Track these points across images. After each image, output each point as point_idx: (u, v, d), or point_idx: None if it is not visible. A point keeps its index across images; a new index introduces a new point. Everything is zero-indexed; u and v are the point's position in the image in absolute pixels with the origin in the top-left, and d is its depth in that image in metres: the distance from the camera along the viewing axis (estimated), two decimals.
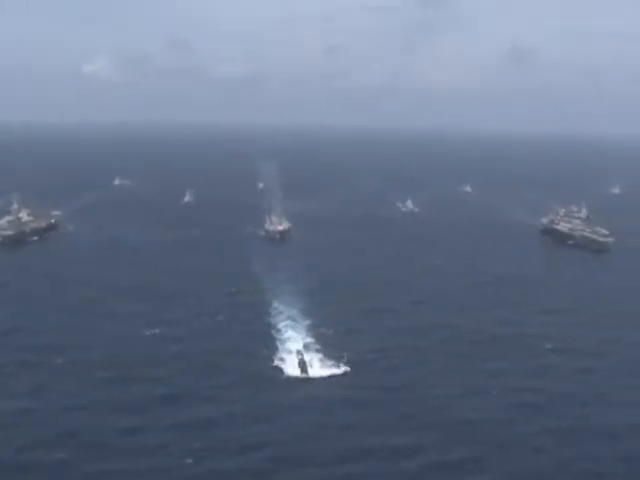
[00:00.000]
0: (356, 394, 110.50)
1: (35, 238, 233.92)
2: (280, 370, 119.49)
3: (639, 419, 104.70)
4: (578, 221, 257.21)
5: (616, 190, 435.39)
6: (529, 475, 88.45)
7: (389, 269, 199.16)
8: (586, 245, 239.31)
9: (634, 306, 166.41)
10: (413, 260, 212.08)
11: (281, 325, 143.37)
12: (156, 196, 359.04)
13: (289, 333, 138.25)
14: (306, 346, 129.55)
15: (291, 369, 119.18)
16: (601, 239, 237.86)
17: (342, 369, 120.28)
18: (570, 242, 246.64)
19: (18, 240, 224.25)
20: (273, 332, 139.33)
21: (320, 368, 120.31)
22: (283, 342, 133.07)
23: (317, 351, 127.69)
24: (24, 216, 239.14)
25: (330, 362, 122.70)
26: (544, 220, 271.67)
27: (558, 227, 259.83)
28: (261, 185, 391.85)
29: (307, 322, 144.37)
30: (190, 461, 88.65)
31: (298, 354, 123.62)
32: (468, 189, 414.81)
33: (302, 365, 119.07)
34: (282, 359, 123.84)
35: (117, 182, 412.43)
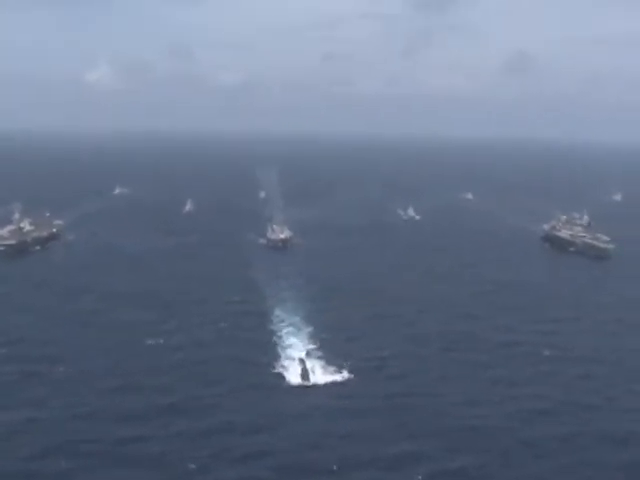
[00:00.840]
0: (358, 402, 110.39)
1: (37, 248, 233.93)
2: (282, 378, 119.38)
3: None
4: (579, 228, 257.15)
5: (617, 197, 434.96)
6: None
7: (391, 276, 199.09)
8: (587, 252, 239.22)
9: (637, 313, 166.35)
10: (415, 267, 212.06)
11: (283, 332, 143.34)
12: (157, 204, 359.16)
13: (291, 340, 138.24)
14: (308, 353, 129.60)
15: (293, 377, 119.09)
16: (602, 246, 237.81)
17: (344, 376, 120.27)
18: (571, 249, 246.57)
19: (20, 250, 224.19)
20: (275, 339, 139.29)
21: (322, 375, 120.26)
22: (285, 349, 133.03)
23: (319, 358, 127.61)
24: (26, 225, 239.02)
25: (332, 369, 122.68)
26: (545, 227, 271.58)
27: (559, 234, 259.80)
28: (263, 194, 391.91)
29: (309, 329, 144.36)
30: (193, 470, 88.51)
31: (300, 362, 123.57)
32: (469, 196, 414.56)
33: (304, 373, 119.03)
34: (284, 367, 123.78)
35: (118, 190, 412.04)
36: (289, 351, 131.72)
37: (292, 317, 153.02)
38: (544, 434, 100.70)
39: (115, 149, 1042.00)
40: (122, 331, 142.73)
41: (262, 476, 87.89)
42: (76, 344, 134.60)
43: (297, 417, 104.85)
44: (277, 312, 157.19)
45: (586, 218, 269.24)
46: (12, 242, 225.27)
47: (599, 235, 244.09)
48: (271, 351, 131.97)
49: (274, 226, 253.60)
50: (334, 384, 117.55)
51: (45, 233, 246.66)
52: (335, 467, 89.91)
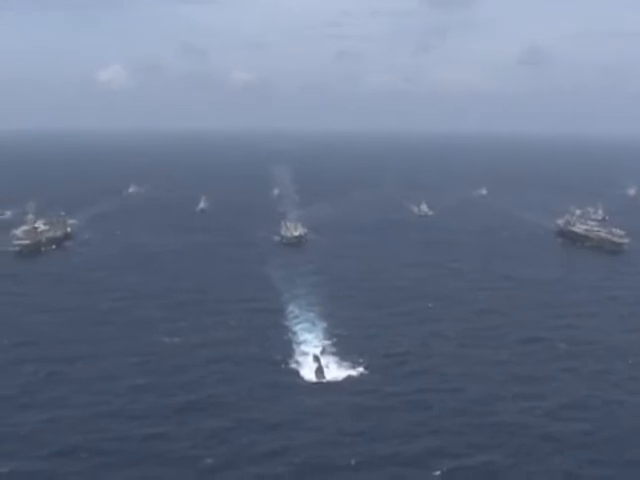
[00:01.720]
0: (375, 398, 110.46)
1: (53, 247, 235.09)
2: (298, 375, 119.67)
3: None
4: (594, 222, 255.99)
5: (632, 191, 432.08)
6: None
7: (406, 273, 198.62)
8: (602, 246, 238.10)
9: None
10: (430, 264, 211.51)
11: (298, 328, 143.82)
12: (171, 203, 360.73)
13: (306, 336, 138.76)
14: (323, 349, 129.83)
15: (308, 373, 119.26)
16: (617, 240, 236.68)
17: (360, 372, 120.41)
18: (586, 244, 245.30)
19: (34, 250, 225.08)
20: (290, 336, 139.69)
21: (337, 370, 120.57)
22: (300, 345, 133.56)
23: (334, 354, 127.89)
24: (40, 225, 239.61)
25: (347, 365, 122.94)
26: (560, 222, 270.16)
27: (574, 228, 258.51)
28: (276, 191, 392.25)
29: (324, 325, 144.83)
30: (213, 468, 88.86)
31: (315, 359, 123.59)
32: (484, 192, 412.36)
33: (319, 370, 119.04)
34: (299, 363, 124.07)
35: (132, 189, 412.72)
36: (304, 347, 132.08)
37: (307, 313, 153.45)
38: (566, 430, 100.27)
39: (128, 148, 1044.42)
40: (139, 330, 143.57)
41: (281, 473, 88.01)
42: (94, 343, 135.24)
43: (314, 414, 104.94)
44: (291, 308, 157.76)
45: (600, 212, 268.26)
46: (27, 242, 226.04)
47: (614, 229, 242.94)
48: (286, 348, 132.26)
49: (288, 223, 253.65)
50: (350, 380, 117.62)
51: (59, 233, 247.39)
52: (353, 463, 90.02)
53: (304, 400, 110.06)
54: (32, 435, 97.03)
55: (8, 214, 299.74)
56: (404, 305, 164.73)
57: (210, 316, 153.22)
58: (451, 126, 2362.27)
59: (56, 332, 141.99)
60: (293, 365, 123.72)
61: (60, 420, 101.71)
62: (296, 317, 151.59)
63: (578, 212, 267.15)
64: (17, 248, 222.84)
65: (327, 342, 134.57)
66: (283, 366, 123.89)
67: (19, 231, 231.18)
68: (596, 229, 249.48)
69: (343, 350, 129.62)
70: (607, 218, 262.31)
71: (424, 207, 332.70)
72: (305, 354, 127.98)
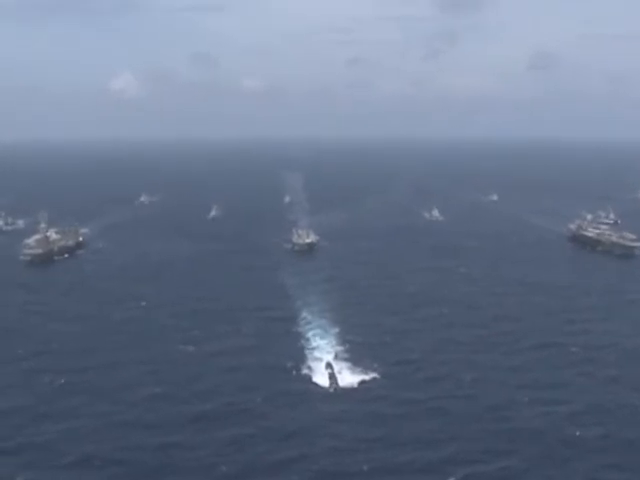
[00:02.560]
0: (389, 405, 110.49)
1: (66, 256, 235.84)
2: (311, 382, 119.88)
3: None
4: (606, 226, 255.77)
5: None
6: None
7: (418, 278, 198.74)
8: (614, 250, 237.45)
9: None
10: (442, 269, 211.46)
11: (310, 335, 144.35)
12: (183, 211, 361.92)
13: (318, 342, 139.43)
14: (336, 356, 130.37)
15: (321, 381, 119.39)
16: (629, 244, 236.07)
17: (372, 379, 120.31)
18: (598, 248, 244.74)
19: (47, 259, 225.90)
20: (303, 342, 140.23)
21: (350, 376, 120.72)
22: (312, 352, 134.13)
23: (346, 360, 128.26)
24: (52, 234, 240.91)
25: (360, 371, 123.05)
26: (572, 226, 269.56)
27: (586, 233, 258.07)
28: (287, 199, 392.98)
29: (336, 331, 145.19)
30: (228, 476, 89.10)
31: (327, 366, 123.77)
32: (495, 198, 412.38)
33: (332, 377, 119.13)
34: (312, 370, 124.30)
35: (143, 198, 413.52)
36: (317, 354, 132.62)
37: (319, 320, 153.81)
38: (582, 434, 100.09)
39: (140, 157, 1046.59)
40: (153, 339, 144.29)
41: None
42: (109, 352, 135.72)
43: (329, 421, 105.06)
44: (304, 315, 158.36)
45: (612, 216, 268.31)
46: (39, 251, 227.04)
47: (625, 234, 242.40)
48: (299, 355, 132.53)
49: (299, 230, 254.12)
50: (363, 387, 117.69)
51: (71, 242, 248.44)
52: (369, 470, 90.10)
53: (318, 407, 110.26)
54: (48, 445, 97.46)
55: (21, 223, 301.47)
56: (416, 311, 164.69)
57: (223, 324, 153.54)
58: (461, 131, 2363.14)
59: (70, 341, 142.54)
60: (306, 372, 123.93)
61: (76, 430, 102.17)
62: (309, 324, 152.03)
63: (589, 216, 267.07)
64: (29, 257, 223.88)
65: (340, 348, 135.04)
66: (296, 373, 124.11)
67: (31, 240, 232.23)
68: (607, 233, 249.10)
69: (356, 356, 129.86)
70: (619, 222, 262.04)
71: (435, 212, 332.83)
72: (318, 360, 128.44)
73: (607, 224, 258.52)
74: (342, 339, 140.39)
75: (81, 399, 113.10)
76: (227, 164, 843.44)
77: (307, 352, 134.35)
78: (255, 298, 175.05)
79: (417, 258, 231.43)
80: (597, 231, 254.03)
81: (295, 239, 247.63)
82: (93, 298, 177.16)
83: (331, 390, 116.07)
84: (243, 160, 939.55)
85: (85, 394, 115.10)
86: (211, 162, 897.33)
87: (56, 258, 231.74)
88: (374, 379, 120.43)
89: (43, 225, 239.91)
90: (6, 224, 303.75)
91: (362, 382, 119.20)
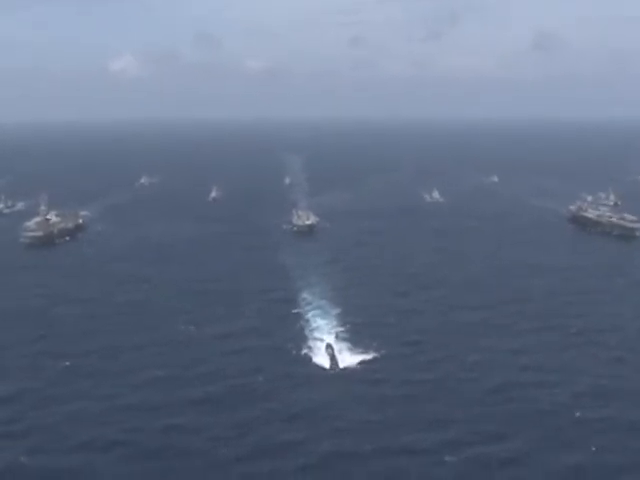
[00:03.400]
0: (390, 387, 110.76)
1: (67, 238, 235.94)
2: (312, 363, 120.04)
3: None
4: (606, 208, 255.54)
5: None
6: (567, 470, 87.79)
7: (419, 260, 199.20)
8: (614, 232, 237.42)
9: None
10: (441, 250, 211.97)
11: (311, 315, 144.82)
12: (183, 192, 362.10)
13: (319, 322, 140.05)
14: (337, 336, 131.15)
15: (322, 362, 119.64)
16: (629, 225, 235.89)
17: (373, 360, 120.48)
18: (598, 229, 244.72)
19: (47, 241, 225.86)
20: (302, 323, 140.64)
21: (350, 357, 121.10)
22: (312, 332, 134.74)
23: (347, 341, 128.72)
24: (52, 217, 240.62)
25: (360, 352, 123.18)
26: (572, 207, 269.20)
27: (586, 214, 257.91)
28: (288, 180, 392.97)
29: (337, 312, 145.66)
30: (232, 459, 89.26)
31: (328, 347, 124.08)
32: (495, 179, 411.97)
33: (333, 359, 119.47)
34: (313, 352, 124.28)
35: (143, 180, 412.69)
36: (317, 334, 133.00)
37: (320, 301, 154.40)
38: (586, 416, 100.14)
39: (140, 138, 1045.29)
40: (155, 321, 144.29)
41: (301, 463, 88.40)
42: (112, 335, 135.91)
43: (330, 403, 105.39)
44: (305, 296, 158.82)
45: (612, 198, 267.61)
46: (39, 234, 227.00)
47: (626, 215, 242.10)
48: (301, 336, 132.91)
49: (299, 212, 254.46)
50: (364, 369, 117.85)
51: (71, 224, 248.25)
52: (371, 451, 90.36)
53: (321, 389, 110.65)
54: (53, 427, 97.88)
55: (20, 206, 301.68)
56: (417, 292, 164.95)
57: (225, 305, 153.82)
58: (462, 112, 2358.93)
59: (73, 324, 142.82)
60: (308, 353, 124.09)
61: (80, 412, 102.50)
62: (309, 304, 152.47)
63: (590, 198, 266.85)
64: (29, 240, 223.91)
65: (340, 329, 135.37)
66: (298, 355, 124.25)
67: (31, 223, 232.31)
68: (608, 215, 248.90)
69: (357, 337, 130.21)
70: (619, 203, 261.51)
71: (435, 194, 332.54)
72: (320, 341, 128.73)
73: (607, 205, 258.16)
74: (343, 320, 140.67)
75: (85, 382, 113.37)
76: (228, 145, 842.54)
77: (308, 333, 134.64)
78: (256, 279, 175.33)
79: (418, 239, 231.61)
80: (597, 212, 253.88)
81: (295, 220, 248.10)
82: (94, 281, 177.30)
83: (332, 372, 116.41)
84: (244, 141, 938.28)
85: (89, 377, 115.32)
86: (212, 143, 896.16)
87: (56, 241, 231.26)
88: (375, 360, 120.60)
89: (43, 207, 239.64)
90: (6, 207, 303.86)
91: (363, 363, 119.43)
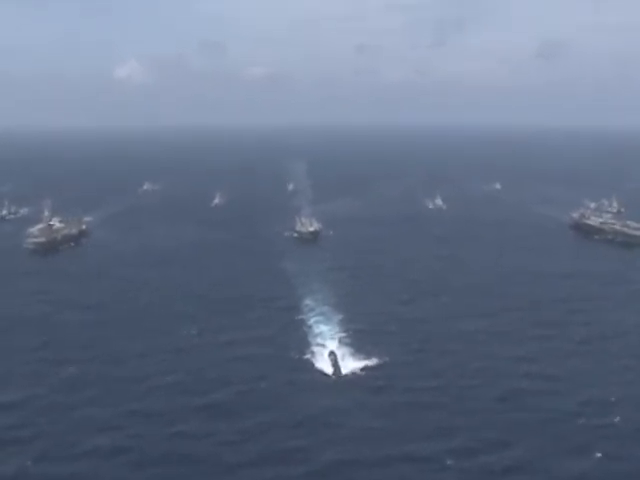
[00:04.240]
0: (393, 395, 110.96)
1: (71, 244, 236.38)
2: (316, 371, 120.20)
3: None
4: (609, 215, 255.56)
5: None
6: (571, 477, 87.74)
7: (422, 266, 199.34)
8: (617, 239, 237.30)
9: None
10: (445, 258, 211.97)
11: (313, 322, 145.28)
12: (186, 199, 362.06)
13: (321, 328, 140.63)
14: (340, 341, 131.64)
15: (325, 369, 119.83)
16: (633, 233, 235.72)
17: (375, 367, 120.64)
18: (601, 236, 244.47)
19: (50, 248, 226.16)
20: (306, 330, 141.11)
21: (353, 363, 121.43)
22: (315, 337, 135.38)
23: (349, 346, 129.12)
24: (55, 223, 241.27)
25: (363, 358, 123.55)
26: (575, 215, 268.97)
27: (589, 221, 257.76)
28: (291, 186, 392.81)
29: (339, 318, 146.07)
30: (236, 466, 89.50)
31: (331, 354, 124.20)
32: (498, 186, 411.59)
33: (335, 365, 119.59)
34: (316, 358, 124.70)
35: (146, 186, 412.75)
36: (320, 341, 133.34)
37: (322, 307, 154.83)
38: (591, 423, 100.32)
39: (143, 145, 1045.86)
40: (160, 327, 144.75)
41: (303, 470, 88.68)
42: (116, 341, 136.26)
43: (335, 411, 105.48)
44: (308, 302, 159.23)
45: (615, 205, 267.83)
46: (42, 240, 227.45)
47: (629, 222, 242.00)
48: (304, 343, 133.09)
49: (303, 219, 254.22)
50: (366, 376, 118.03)
51: (75, 230, 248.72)
52: (372, 458, 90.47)
53: (323, 396, 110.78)
54: (60, 434, 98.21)
55: (24, 212, 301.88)
56: (420, 299, 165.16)
57: (228, 312, 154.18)
58: (466, 119, 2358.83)
59: (78, 330, 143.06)
60: (310, 359, 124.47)
61: (85, 419, 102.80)
62: (312, 311, 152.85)
63: (593, 205, 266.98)
64: (33, 246, 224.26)
65: (343, 335, 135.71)
66: (301, 361, 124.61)
67: (35, 229, 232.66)
68: (611, 222, 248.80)
69: (359, 344, 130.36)
70: (622, 211, 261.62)
71: (438, 201, 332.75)
72: (322, 347, 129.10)
73: (610, 212, 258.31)
74: (345, 327, 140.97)
75: (91, 389, 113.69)
76: (232, 152, 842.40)
77: (310, 339, 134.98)
78: (259, 286, 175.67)
79: (421, 246, 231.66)
80: (600, 219, 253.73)
81: (298, 227, 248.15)
82: (98, 287, 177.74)
83: (334, 378, 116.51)
84: (247, 147, 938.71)
85: (93, 384, 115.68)
86: (216, 149, 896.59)
87: (60, 247, 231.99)
88: (378, 367, 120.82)
89: (47, 214, 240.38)
90: (9, 213, 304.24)
91: (366, 369, 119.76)
